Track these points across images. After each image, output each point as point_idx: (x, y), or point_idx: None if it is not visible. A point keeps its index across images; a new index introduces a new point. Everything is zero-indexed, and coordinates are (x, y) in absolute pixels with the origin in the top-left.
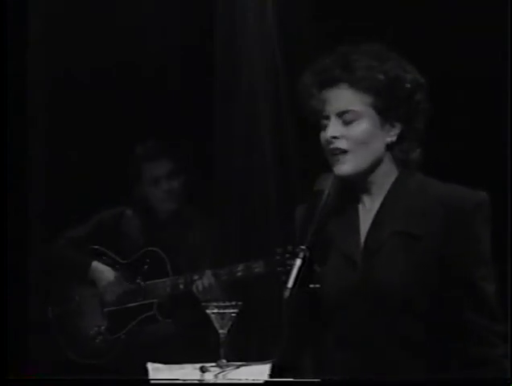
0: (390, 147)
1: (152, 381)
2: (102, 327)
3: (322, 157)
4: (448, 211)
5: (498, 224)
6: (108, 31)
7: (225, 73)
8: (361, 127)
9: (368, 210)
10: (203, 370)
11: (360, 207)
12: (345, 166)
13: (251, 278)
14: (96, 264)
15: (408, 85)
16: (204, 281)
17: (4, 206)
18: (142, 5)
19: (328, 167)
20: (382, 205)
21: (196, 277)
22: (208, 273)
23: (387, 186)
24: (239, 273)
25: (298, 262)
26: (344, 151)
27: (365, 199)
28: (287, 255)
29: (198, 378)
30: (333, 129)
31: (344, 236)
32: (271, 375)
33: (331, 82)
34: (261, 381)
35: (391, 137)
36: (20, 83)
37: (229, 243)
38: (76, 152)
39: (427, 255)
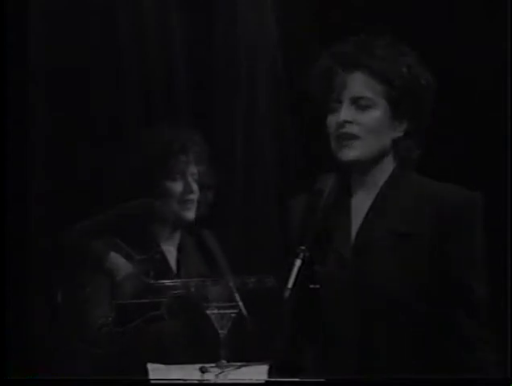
0: (395, 143)
1: (152, 381)
2: (109, 318)
3: (322, 156)
4: (439, 210)
5: (498, 225)
6: (108, 27)
7: (224, 71)
8: (374, 115)
9: (361, 207)
10: (202, 370)
11: (353, 203)
12: (352, 152)
13: (262, 291)
14: (114, 255)
15: (423, 82)
16: (217, 287)
17: (4, 202)
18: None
19: (329, 161)
20: (374, 202)
21: (208, 283)
22: (223, 280)
23: (381, 184)
24: (251, 285)
25: (298, 262)
26: (355, 137)
27: (360, 195)
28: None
29: (198, 378)
30: (346, 113)
31: (337, 233)
32: (270, 376)
33: (352, 65)
34: (261, 381)
35: (398, 133)
36: (20, 80)
37: (231, 245)
38: (77, 151)
39: (418, 254)
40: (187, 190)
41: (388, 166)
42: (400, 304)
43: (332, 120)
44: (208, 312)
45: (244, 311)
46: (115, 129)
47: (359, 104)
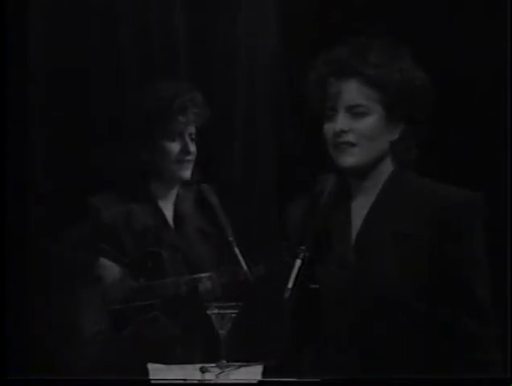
0: (392, 146)
1: (152, 381)
2: (103, 326)
3: (322, 157)
4: (439, 210)
5: (498, 225)
6: (108, 27)
7: (224, 71)
8: (370, 121)
9: (361, 208)
10: (203, 370)
11: (353, 205)
12: (351, 158)
13: (253, 281)
14: (103, 260)
15: (418, 83)
16: (207, 282)
17: (4, 202)
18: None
19: (329, 165)
20: (374, 203)
21: (199, 279)
22: (213, 274)
23: (381, 185)
24: (241, 277)
25: (298, 262)
26: (352, 144)
27: (360, 197)
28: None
29: (198, 378)
30: (343, 122)
31: (337, 233)
32: (269, 376)
33: (346, 73)
34: (253, 381)
35: (394, 135)
36: (20, 80)
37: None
38: (77, 151)
39: (418, 254)
40: (184, 150)
41: (387, 168)
42: (400, 304)
43: (328, 128)
44: (208, 312)
45: (244, 266)
46: (115, 129)
47: (354, 112)
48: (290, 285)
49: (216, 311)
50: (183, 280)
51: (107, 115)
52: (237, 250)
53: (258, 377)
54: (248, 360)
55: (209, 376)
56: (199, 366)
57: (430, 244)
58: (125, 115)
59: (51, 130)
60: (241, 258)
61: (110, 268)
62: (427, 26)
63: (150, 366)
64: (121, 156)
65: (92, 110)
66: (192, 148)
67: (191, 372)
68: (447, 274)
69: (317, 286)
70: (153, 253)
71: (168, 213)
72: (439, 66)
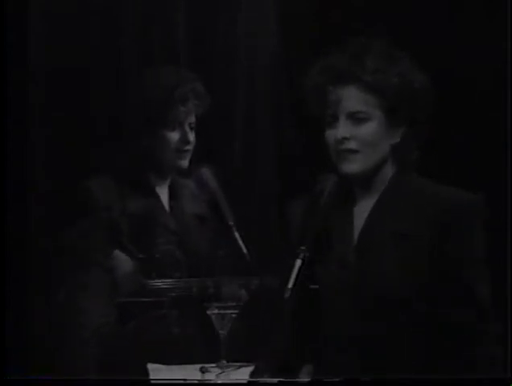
0: (393, 148)
1: (152, 381)
2: (111, 318)
3: (322, 157)
4: (440, 211)
5: (498, 225)
6: (108, 27)
7: (224, 71)
8: (370, 127)
9: (363, 209)
10: (203, 370)
11: (356, 206)
12: (353, 165)
13: (265, 292)
14: (117, 252)
15: (417, 86)
16: (219, 289)
17: (4, 202)
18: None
19: (330, 166)
20: (376, 204)
21: (211, 284)
22: (226, 282)
23: (383, 186)
24: (253, 287)
25: (298, 263)
26: (354, 151)
27: (362, 198)
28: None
29: (198, 378)
30: (344, 129)
31: (337, 233)
32: (266, 376)
33: (344, 81)
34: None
35: (395, 138)
36: (20, 80)
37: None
38: (77, 151)
39: (418, 254)
40: (183, 140)
41: (388, 170)
42: (400, 304)
43: (330, 134)
44: (208, 312)
45: (244, 249)
46: (115, 129)
47: (355, 118)
48: (290, 285)
49: (216, 311)
50: (194, 282)
51: (107, 115)
52: (237, 234)
53: (254, 377)
54: (248, 360)
55: (209, 376)
56: (199, 366)
57: (430, 245)
58: (126, 107)
59: (51, 130)
60: (240, 242)
61: (124, 260)
62: (427, 27)
63: (150, 366)
64: (121, 147)
65: (92, 110)
66: (191, 137)
67: (191, 372)
68: (447, 274)
69: (317, 286)
70: (165, 251)
71: (164, 200)
72: (439, 66)
